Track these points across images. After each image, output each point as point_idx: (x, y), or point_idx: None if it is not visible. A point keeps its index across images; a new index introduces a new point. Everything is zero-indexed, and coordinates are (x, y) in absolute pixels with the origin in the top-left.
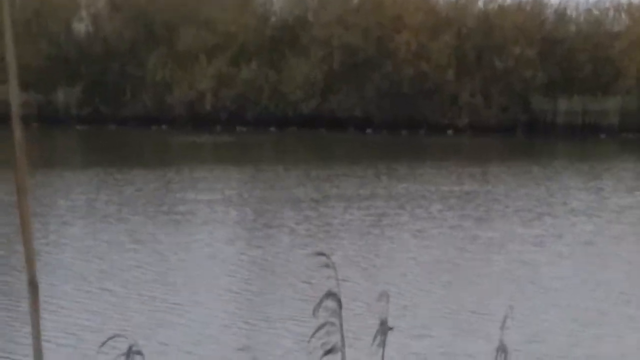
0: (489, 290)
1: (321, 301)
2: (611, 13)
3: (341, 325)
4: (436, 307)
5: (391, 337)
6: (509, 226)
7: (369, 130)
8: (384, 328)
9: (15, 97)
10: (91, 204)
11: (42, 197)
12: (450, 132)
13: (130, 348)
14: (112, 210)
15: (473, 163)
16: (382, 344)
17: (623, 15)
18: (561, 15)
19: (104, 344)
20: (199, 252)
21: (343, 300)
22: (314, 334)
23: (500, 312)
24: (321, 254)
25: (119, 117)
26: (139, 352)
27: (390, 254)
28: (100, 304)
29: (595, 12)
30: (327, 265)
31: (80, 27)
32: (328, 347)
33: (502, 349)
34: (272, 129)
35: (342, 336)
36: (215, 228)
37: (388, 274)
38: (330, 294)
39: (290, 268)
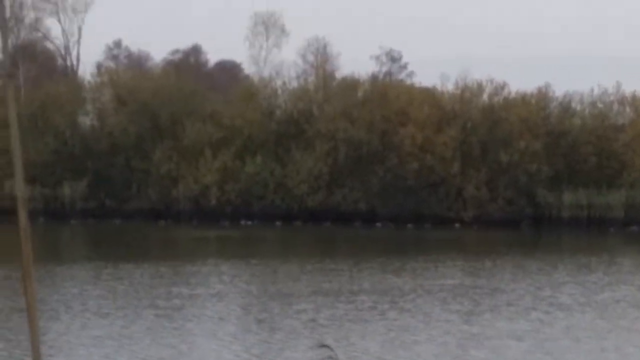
0: None
1: None
2: (615, 106)
3: None
4: None
5: None
6: (494, 321)
7: (378, 224)
8: None
9: (20, 185)
10: (80, 299)
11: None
12: (457, 225)
13: None
14: (100, 304)
15: (470, 257)
16: None
17: (627, 108)
18: (566, 108)
19: None
20: (184, 346)
21: None
22: None
23: None
24: (324, 345)
25: (124, 211)
26: None
27: (372, 348)
28: None
29: (600, 105)
30: (330, 358)
31: (86, 121)
32: None
33: None
34: (278, 223)
35: None
36: (200, 322)
37: None
38: None
39: None
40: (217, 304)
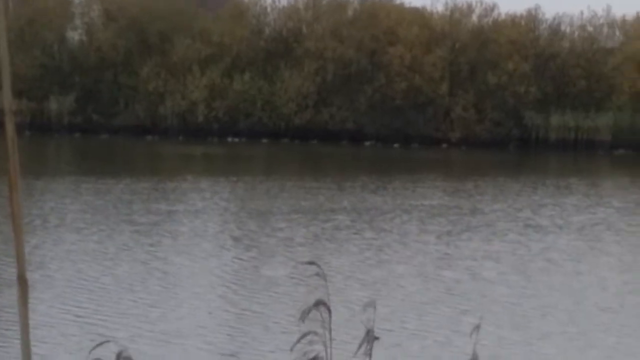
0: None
1: (309, 309)
2: (605, 29)
3: (330, 332)
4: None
5: None
6: (470, 242)
7: (367, 143)
8: (370, 337)
9: (8, 96)
10: (57, 213)
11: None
12: (444, 145)
13: (120, 353)
14: (77, 219)
15: (453, 177)
16: (369, 354)
17: (617, 32)
18: (555, 30)
19: (94, 348)
20: (157, 262)
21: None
22: (296, 343)
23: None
24: (311, 262)
25: (111, 126)
26: (129, 358)
27: (346, 267)
28: None
29: (589, 28)
30: (317, 274)
31: (74, 36)
32: (311, 356)
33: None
34: (265, 140)
35: (330, 345)
36: (176, 239)
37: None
38: (319, 303)
39: (239, 278)
40: (195, 220)
